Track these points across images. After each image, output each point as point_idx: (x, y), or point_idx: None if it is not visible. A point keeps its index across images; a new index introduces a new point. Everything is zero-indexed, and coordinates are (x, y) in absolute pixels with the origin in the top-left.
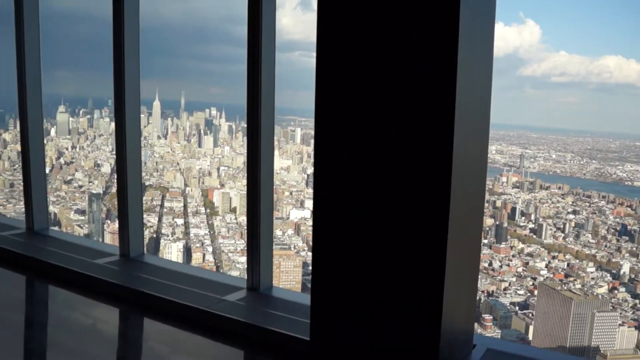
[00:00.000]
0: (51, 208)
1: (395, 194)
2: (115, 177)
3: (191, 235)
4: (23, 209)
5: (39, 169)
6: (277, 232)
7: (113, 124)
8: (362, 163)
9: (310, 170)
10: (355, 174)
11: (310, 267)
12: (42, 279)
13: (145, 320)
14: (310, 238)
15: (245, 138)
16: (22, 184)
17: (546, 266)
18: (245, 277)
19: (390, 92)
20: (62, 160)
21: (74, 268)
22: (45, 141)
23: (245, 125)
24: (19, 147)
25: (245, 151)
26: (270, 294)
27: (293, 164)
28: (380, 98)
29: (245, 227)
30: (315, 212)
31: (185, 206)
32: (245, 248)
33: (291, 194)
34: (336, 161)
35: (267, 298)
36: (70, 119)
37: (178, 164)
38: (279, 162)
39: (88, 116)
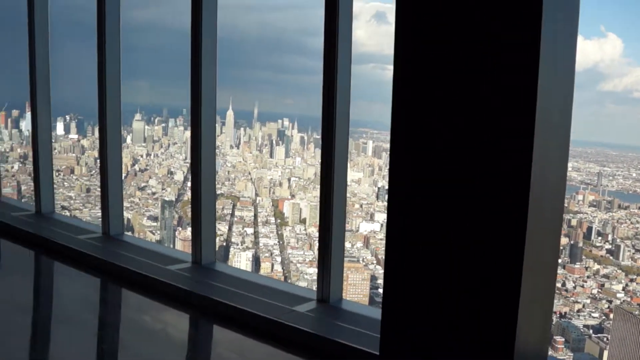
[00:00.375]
0: (125, 214)
1: (471, 209)
2: (189, 185)
3: (260, 244)
4: (98, 214)
5: (115, 176)
6: (346, 245)
7: (187, 133)
8: (438, 175)
9: (382, 183)
10: (431, 186)
11: (378, 281)
12: (116, 282)
13: (215, 327)
14: (379, 251)
15: (317, 149)
16: (98, 189)
17: (623, 289)
18: (315, 288)
19: (469, 101)
20: (136, 167)
21: (147, 273)
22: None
23: (318, 137)
24: (96, 154)
25: (319, 162)
26: (340, 306)
27: (364, 176)
28: (458, 107)
29: (315, 239)
30: (390, 225)
31: (255, 216)
32: (316, 259)
33: (361, 206)
34: (412, 172)
35: (337, 310)
36: (146, 127)
37: (249, 173)
38: (350, 175)
39: (163, 125)
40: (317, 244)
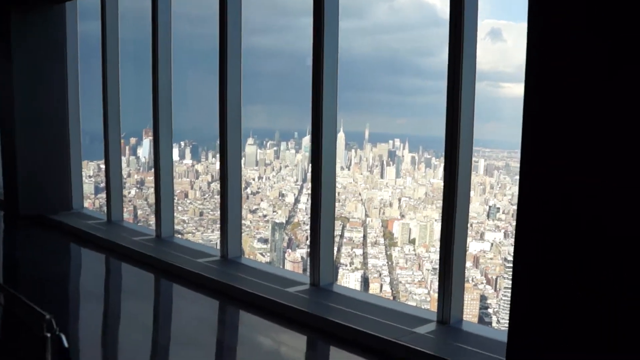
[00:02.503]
0: None
1: (617, 221)
2: (299, 207)
3: (369, 265)
4: (211, 237)
5: (235, 200)
6: None
7: (299, 156)
8: (573, 189)
9: (493, 201)
10: (567, 200)
11: (487, 301)
12: (233, 303)
13: (332, 349)
14: (489, 271)
15: (428, 169)
16: (211, 212)
17: None
18: (426, 308)
19: (616, 109)
20: (248, 190)
21: (266, 295)
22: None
23: (429, 156)
24: (209, 178)
25: (431, 182)
26: (460, 327)
27: (475, 195)
28: (603, 119)
29: (424, 259)
30: (520, 244)
31: (364, 236)
32: (425, 279)
33: (471, 225)
34: (546, 187)
35: (458, 332)
36: (258, 150)
37: (360, 194)
38: None
39: (275, 148)
40: (438, 266)
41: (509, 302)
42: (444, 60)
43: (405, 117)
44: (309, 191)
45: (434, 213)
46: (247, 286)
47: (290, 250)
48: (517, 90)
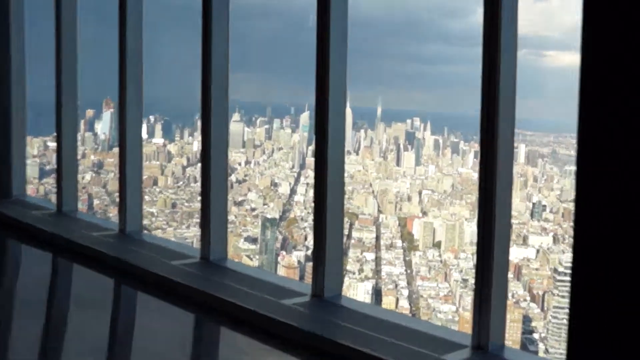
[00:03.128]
0: None
1: None
2: (296, 198)
3: (383, 274)
4: (185, 234)
5: (219, 190)
6: None
7: (295, 136)
8: None
9: (537, 197)
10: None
11: (532, 323)
12: (216, 318)
13: None
14: (534, 284)
15: (455, 155)
16: (186, 204)
17: None
18: (455, 329)
19: None
20: (233, 178)
21: (257, 309)
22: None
23: (456, 140)
24: (184, 161)
25: (458, 172)
26: (502, 356)
27: (515, 189)
28: None
29: (452, 267)
30: (581, 253)
31: (377, 238)
32: (452, 293)
33: (511, 227)
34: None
35: None
36: (246, 129)
37: (371, 185)
38: None
39: (266, 126)
40: (470, 276)
41: (562, 326)
42: (473, 22)
43: (426, 91)
44: (308, 180)
45: (464, 210)
46: (234, 296)
47: (284, 253)
48: (564, 59)
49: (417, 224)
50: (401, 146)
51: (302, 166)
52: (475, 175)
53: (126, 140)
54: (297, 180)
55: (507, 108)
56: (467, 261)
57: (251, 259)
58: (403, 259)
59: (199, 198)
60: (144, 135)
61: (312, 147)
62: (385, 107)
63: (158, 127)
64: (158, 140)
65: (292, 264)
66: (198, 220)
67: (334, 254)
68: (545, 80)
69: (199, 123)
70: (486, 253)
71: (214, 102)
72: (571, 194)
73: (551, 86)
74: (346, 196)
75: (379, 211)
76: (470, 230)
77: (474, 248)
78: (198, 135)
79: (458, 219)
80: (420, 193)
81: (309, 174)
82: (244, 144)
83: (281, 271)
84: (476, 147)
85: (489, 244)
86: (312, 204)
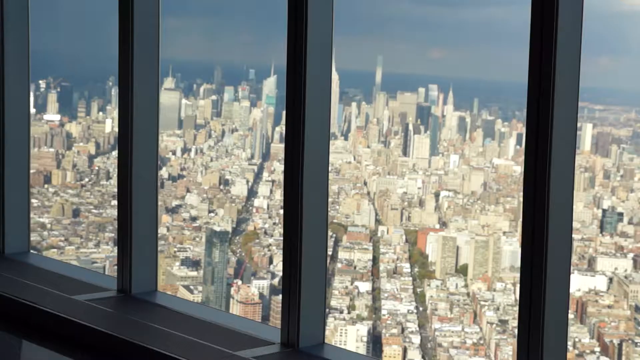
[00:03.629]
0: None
1: None
2: (257, 203)
3: (383, 312)
4: (92, 254)
5: (145, 192)
6: None
7: (256, 112)
8: None
9: (610, 201)
10: None
11: None
12: None
13: None
14: (606, 329)
15: (490, 141)
16: (95, 211)
17: None
18: None
19: None
20: (164, 172)
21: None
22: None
23: (490, 118)
24: (92, 148)
25: (522, 168)
26: None
27: (576, 189)
28: None
29: (486, 302)
30: None
31: (374, 259)
32: (486, 341)
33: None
34: None
35: None
36: (184, 101)
37: (365, 184)
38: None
39: (213, 97)
40: (517, 321)
41: None
42: None
43: (447, 45)
44: (274, 176)
45: (500, 220)
46: (167, 347)
47: (239, 282)
48: None
49: (433, 240)
50: (410, 127)
51: (266, 156)
52: (518, 170)
53: (3, 116)
54: (258, 176)
55: (567, 70)
56: (506, 294)
57: (192, 291)
58: (413, 290)
59: (114, 203)
60: (32, 109)
61: (280, 129)
62: (388, 69)
63: (52, 98)
64: (52, 116)
65: (252, 298)
66: (113, 236)
67: (312, 284)
68: (629, 28)
69: (114, 92)
70: (535, 283)
71: (137, 62)
72: None
73: (636, 37)
74: (330, 200)
75: (378, 221)
76: (510, 249)
77: (516, 275)
78: (113, 110)
79: (492, 232)
80: (437, 195)
81: (276, 168)
82: (180, 123)
83: (235, 309)
84: (520, 128)
85: (539, 269)
86: (281, 211)
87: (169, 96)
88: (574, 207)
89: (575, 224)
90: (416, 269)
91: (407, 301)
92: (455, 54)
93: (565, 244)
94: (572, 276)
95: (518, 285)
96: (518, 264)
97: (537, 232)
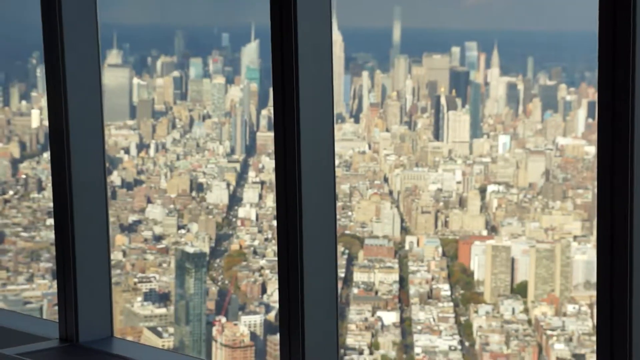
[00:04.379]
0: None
1: None
2: (243, 213)
3: (416, 350)
4: (24, 293)
5: (92, 207)
6: None
7: (234, 91)
8: None
9: None
10: None
11: None
12: None
13: None
14: None
15: (554, 115)
16: (24, 234)
17: None
18: None
19: None
20: (114, 178)
21: None
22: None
23: (550, 83)
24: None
25: (596, 147)
26: None
27: None
28: None
29: (555, 332)
30: None
31: (402, 281)
32: None
33: None
34: None
35: None
36: (135, 80)
37: (386, 179)
38: None
39: (175, 73)
40: (595, 355)
41: None
42: None
43: None
44: (262, 176)
45: (570, 220)
46: None
47: (223, 320)
48: None
49: (480, 252)
50: (442, 100)
51: (251, 149)
52: (591, 151)
53: None
54: (241, 176)
55: None
56: (581, 320)
57: (160, 334)
58: (455, 320)
59: (50, 222)
60: None
61: (268, 112)
62: (409, 24)
63: None
64: None
65: (241, 340)
66: (51, 266)
67: (319, 315)
68: None
69: (39, 73)
70: (617, 305)
71: (67, 29)
72: None
73: None
74: (340, 204)
75: (404, 229)
76: (584, 259)
77: (594, 295)
78: (41, 98)
79: (559, 238)
80: (483, 191)
81: (265, 164)
82: (133, 110)
83: (220, 355)
84: (592, 94)
85: (623, 285)
86: (274, 223)
87: (115, 75)
88: None
89: None
90: (459, 291)
91: (447, 334)
92: (501, 2)
93: None
94: None
95: (596, 308)
96: (595, 279)
97: (618, 235)
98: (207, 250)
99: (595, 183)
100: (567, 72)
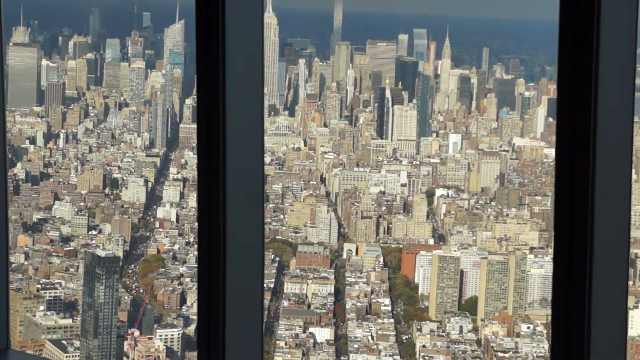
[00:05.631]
0: None
1: None
2: (164, 212)
3: None
4: None
5: None
6: None
7: (154, 76)
8: None
9: None
10: None
11: None
12: None
13: None
14: None
15: (501, 112)
16: None
17: None
18: None
19: None
20: (18, 171)
21: None
22: None
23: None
24: None
25: (556, 151)
26: None
27: (638, 182)
28: None
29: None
30: None
31: (337, 294)
32: None
33: None
34: None
35: None
36: (44, 62)
37: (323, 180)
38: None
39: (89, 55)
40: None
41: None
42: None
43: None
44: (185, 173)
45: (526, 230)
46: None
47: (136, 333)
48: None
49: (425, 263)
50: (387, 93)
51: (173, 143)
52: (551, 154)
53: None
54: (161, 172)
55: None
56: (537, 341)
57: (65, 349)
58: (396, 338)
59: None
60: None
61: (193, 101)
62: (352, 8)
63: None
64: None
65: (156, 356)
66: None
67: (243, 330)
68: None
69: None
70: (574, 324)
71: None
72: None
73: None
74: (270, 205)
75: (342, 236)
76: (541, 273)
77: (550, 314)
78: None
79: (514, 249)
80: (430, 195)
81: (189, 160)
82: (41, 96)
83: None
84: (553, 91)
85: (580, 303)
86: (196, 225)
87: (21, 55)
88: (633, 210)
89: (634, 233)
90: (401, 306)
91: (387, 354)
92: None
93: (620, 265)
94: (632, 312)
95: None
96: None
97: (577, 248)
98: (120, 254)
99: (554, 189)
100: (526, 65)
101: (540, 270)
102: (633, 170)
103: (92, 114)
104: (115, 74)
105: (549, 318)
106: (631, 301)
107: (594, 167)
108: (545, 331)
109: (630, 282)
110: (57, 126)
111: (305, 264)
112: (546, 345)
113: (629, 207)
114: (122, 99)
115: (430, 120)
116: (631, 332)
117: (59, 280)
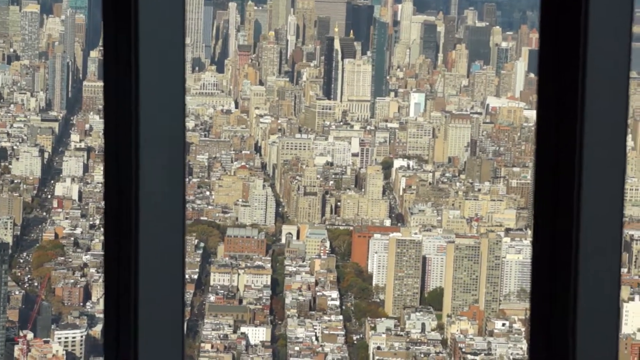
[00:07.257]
0: None
1: None
2: (53, 191)
3: None
4: None
5: None
6: None
7: (54, 23)
8: None
9: None
10: None
11: None
12: None
13: None
14: None
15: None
16: None
17: None
18: None
19: None
20: None
21: None
22: None
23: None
24: None
25: (537, 112)
26: None
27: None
28: None
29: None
30: None
31: (275, 286)
32: None
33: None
34: None
35: None
36: None
37: (258, 149)
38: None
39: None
40: None
41: None
42: None
43: None
44: (91, 141)
45: (501, 207)
46: None
47: (30, 335)
48: None
49: (381, 248)
50: (336, 44)
51: (75, 104)
52: (531, 116)
53: None
54: (60, 140)
55: None
56: (513, 342)
57: None
58: (345, 339)
59: None
60: None
61: (98, 54)
62: None
63: None
64: None
65: None
66: None
67: (159, 331)
68: None
69: None
70: (556, 321)
71: None
72: None
73: None
74: (194, 180)
75: (281, 217)
76: (519, 259)
77: (528, 307)
78: None
79: (487, 231)
80: (387, 167)
81: (94, 125)
82: None
83: None
84: (535, 41)
85: (565, 294)
86: (102, 205)
87: None
88: (628, 183)
89: (629, 211)
90: (351, 301)
91: (335, 358)
92: None
93: (612, 249)
94: (626, 305)
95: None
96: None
97: (561, 229)
98: (9, 240)
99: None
100: (503, 10)
101: (518, 256)
102: (629, 137)
103: None
104: (3, 20)
105: (528, 313)
106: (625, 292)
107: (582, 131)
108: (523, 329)
109: (624, 270)
110: None
111: (235, 251)
112: (524, 345)
113: (623, 181)
114: (11, 50)
115: (387, 77)
116: (625, 329)
117: None
